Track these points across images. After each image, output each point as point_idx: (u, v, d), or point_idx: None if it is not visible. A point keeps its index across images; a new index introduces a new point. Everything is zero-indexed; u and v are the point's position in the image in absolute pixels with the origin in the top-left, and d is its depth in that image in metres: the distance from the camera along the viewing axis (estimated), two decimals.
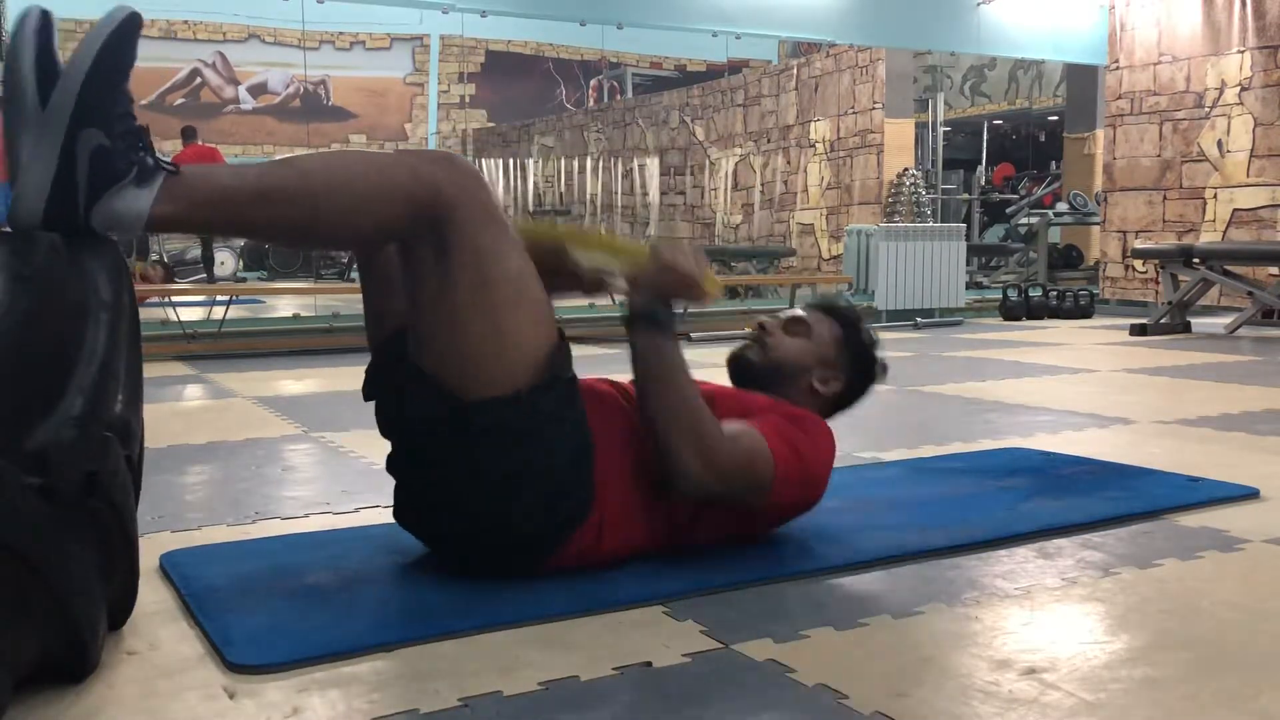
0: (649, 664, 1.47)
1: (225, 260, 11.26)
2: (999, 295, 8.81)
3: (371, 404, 1.88)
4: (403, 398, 1.76)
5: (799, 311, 2.13)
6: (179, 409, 4.11)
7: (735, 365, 2.12)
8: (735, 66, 13.48)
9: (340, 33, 17.65)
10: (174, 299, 6.57)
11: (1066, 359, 5.56)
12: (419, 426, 1.74)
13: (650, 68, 18.41)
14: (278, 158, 1.68)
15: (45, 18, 1.50)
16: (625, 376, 1.95)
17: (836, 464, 1.95)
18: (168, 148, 14.14)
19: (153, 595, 1.76)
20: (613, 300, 2.00)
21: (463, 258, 1.65)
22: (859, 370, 2.10)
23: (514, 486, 1.70)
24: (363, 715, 1.32)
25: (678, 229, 13.48)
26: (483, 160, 17.26)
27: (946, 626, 1.63)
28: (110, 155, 1.49)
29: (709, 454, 1.76)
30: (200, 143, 10.77)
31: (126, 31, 1.50)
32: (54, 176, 1.47)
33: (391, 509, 1.89)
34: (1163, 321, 7.05)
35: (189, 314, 6.61)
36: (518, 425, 1.69)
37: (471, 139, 18.16)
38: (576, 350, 1.86)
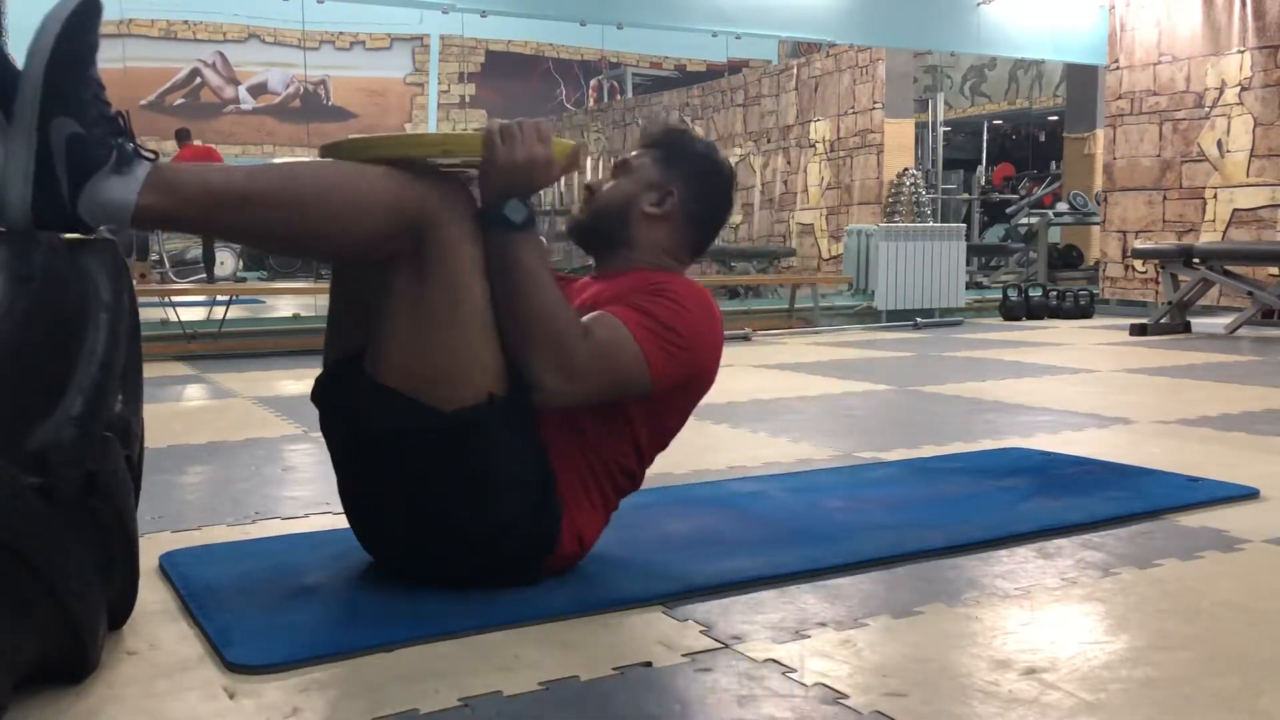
0: (649, 664, 1.47)
1: (225, 260, 11.25)
2: (999, 295, 8.82)
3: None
4: (364, 415, 1.69)
5: (629, 154, 2.00)
6: (179, 409, 4.11)
7: (572, 233, 1.99)
8: (735, 66, 13.48)
9: (340, 33, 17.65)
10: (174, 299, 6.56)
11: (1066, 359, 5.56)
12: (389, 443, 1.67)
13: (650, 68, 18.40)
14: (267, 162, 1.66)
15: None
16: None
17: (836, 463, 1.95)
18: (167, 148, 14.14)
19: (153, 595, 1.76)
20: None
21: (440, 274, 1.63)
22: (696, 175, 1.94)
23: (494, 497, 1.68)
24: (363, 715, 1.32)
25: None
26: None
27: (946, 626, 1.63)
28: (86, 142, 1.47)
29: (566, 361, 1.66)
30: (196, 143, 10.77)
31: (84, 14, 1.47)
32: (35, 172, 1.45)
33: (362, 545, 1.84)
34: (1163, 321, 7.05)
35: (189, 314, 6.61)
36: (493, 433, 1.66)
37: None
38: None
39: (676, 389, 1.82)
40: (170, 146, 11.60)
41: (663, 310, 1.76)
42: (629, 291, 1.81)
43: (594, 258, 2.00)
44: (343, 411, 1.74)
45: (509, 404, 1.68)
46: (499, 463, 1.68)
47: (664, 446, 1.91)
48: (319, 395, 1.81)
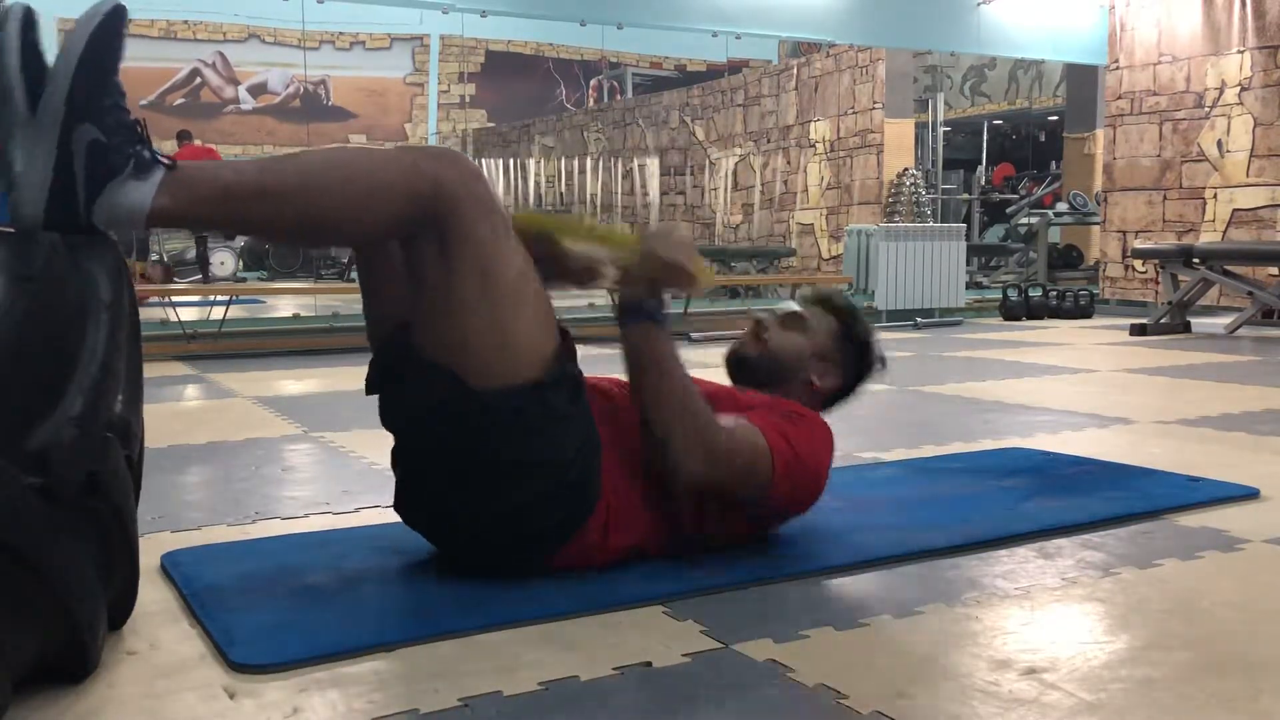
0: (649, 664, 1.47)
1: (225, 260, 11.26)
2: (999, 295, 8.81)
3: (372, 401, 1.87)
4: (409, 389, 1.75)
5: (796, 307, 2.13)
6: (179, 409, 4.11)
7: (734, 361, 2.12)
8: (735, 66, 13.49)
9: (340, 33, 17.65)
10: (174, 299, 6.56)
11: (1066, 359, 5.56)
12: (426, 414, 1.73)
13: (650, 68, 18.40)
14: (278, 154, 1.67)
15: (29, 15, 1.49)
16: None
17: (836, 463, 1.96)
18: (168, 148, 14.12)
19: (153, 595, 1.76)
20: (609, 295, 2.00)
21: (465, 252, 1.65)
22: (856, 364, 2.10)
23: (523, 476, 1.70)
24: (363, 715, 1.32)
25: (678, 229, 13.47)
26: (483, 160, 17.26)
27: (946, 626, 1.63)
28: (106, 150, 1.49)
29: (705, 444, 1.76)
30: (197, 144, 10.78)
31: (112, 24, 1.49)
32: (52, 175, 1.46)
33: (392, 504, 1.89)
34: (1163, 321, 7.05)
35: (189, 314, 6.61)
36: (527, 416, 1.69)
37: (471, 139, 18.15)
38: (580, 350, 1.86)
39: (775, 505, 1.91)
40: (171, 146, 11.59)
41: (799, 436, 1.87)
42: (765, 405, 1.93)
43: (735, 384, 2.10)
44: (396, 383, 1.79)
45: (542, 391, 1.70)
46: (533, 445, 1.70)
47: (724, 533, 1.93)
48: (372, 380, 1.85)
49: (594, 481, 1.76)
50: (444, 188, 1.64)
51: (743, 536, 1.95)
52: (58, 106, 1.46)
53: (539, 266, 1.79)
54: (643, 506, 1.83)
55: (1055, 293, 8.64)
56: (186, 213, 1.56)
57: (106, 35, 1.49)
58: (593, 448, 1.76)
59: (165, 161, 1.53)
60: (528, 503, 1.71)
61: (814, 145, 11.03)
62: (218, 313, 6.35)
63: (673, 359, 1.80)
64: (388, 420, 1.84)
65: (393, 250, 1.80)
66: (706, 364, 2.44)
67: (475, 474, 1.71)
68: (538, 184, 16.42)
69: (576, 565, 1.78)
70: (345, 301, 7.48)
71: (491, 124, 18.48)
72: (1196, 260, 7.04)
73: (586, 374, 1.86)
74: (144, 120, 1.56)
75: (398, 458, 1.85)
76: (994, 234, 14.93)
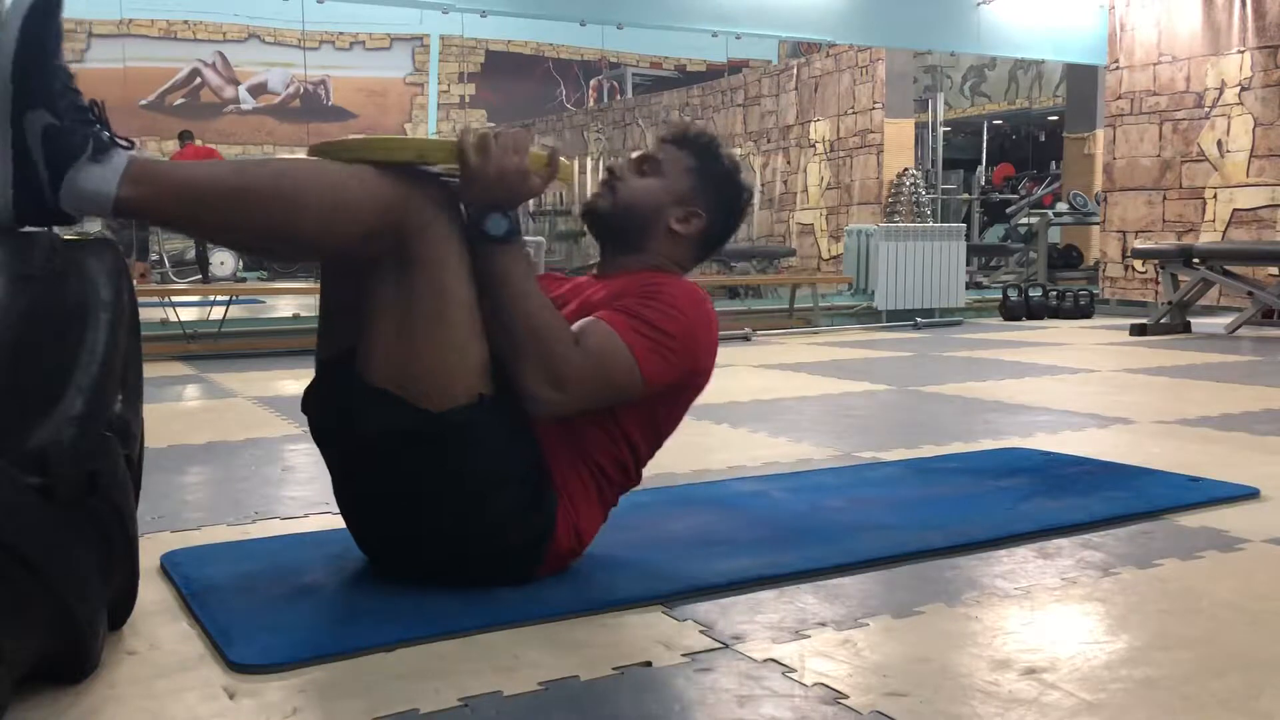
0: (649, 664, 1.47)
1: (225, 260, 11.26)
2: (999, 295, 8.81)
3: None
4: (357, 417, 1.68)
5: (650, 149, 1.97)
6: (179, 409, 4.12)
7: (588, 218, 1.96)
8: (735, 66, 13.49)
9: (340, 33, 17.65)
10: (174, 299, 6.56)
11: (1066, 359, 5.56)
12: (385, 442, 1.66)
13: (650, 68, 18.40)
14: (253, 156, 1.65)
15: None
16: None
17: (836, 463, 1.96)
18: (168, 148, 14.13)
19: (153, 595, 1.76)
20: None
21: (426, 272, 1.62)
22: (722, 201, 1.94)
23: (493, 491, 1.68)
24: (363, 715, 1.32)
25: None
26: None
27: (946, 626, 1.63)
28: (61, 132, 1.46)
29: (557, 372, 1.66)
30: (198, 144, 10.78)
31: (45, 4, 1.46)
32: (12, 166, 1.45)
33: (355, 542, 1.84)
34: (1163, 321, 7.05)
35: (189, 314, 6.61)
36: (489, 428, 1.67)
37: None
38: None
39: (670, 389, 1.82)
40: (171, 146, 11.59)
41: (655, 313, 1.75)
42: (623, 292, 1.80)
43: (601, 246, 1.99)
44: (336, 413, 1.73)
45: (500, 402, 1.68)
46: (492, 461, 1.68)
47: (659, 445, 1.91)
48: (310, 401, 1.80)
49: (550, 489, 1.74)
50: (414, 207, 1.61)
51: (663, 430, 1.87)
52: (4, 96, 1.43)
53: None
54: (591, 487, 1.80)
55: (1055, 293, 8.64)
56: (152, 205, 1.53)
57: (41, 17, 1.46)
58: (540, 454, 1.74)
59: (123, 143, 1.51)
60: (501, 521, 1.69)
61: (814, 145, 11.03)
62: (218, 313, 6.35)
63: (517, 282, 1.66)
64: (327, 448, 1.79)
65: (352, 277, 1.70)
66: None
67: (440, 498, 1.67)
68: None
69: (559, 571, 1.78)
70: None
71: (491, 124, 18.48)
72: (1196, 260, 7.04)
73: None
74: (101, 101, 1.53)
75: (345, 492, 1.79)
76: (994, 234, 14.93)
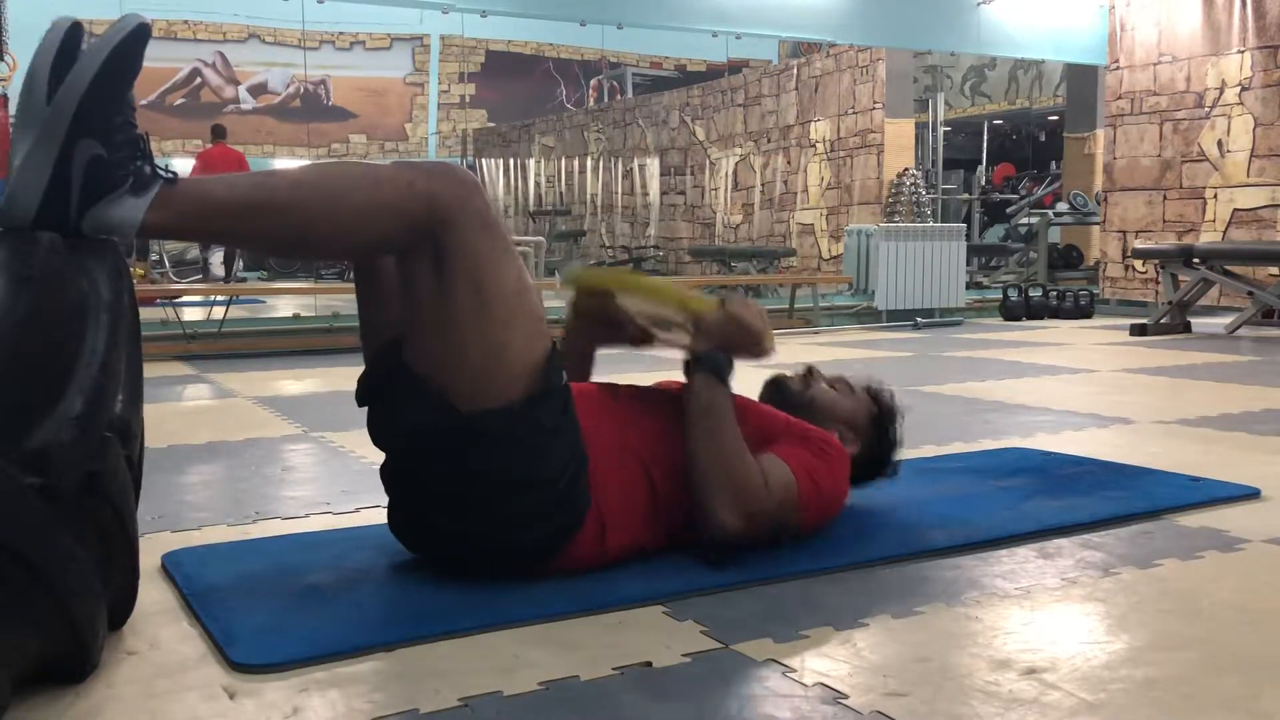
0: (649, 664, 1.47)
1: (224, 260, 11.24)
2: (999, 295, 8.81)
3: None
4: (397, 406, 1.75)
5: (849, 377, 2.23)
6: (179, 409, 4.11)
7: (775, 385, 2.18)
8: (735, 66, 13.49)
9: (340, 33, 17.65)
10: (174, 299, 6.56)
11: (1067, 359, 5.56)
12: (415, 436, 1.73)
13: (650, 68, 18.40)
14: (274, 168, 1.68)
15: (76, 27, 1.50)
16: (610, 377, 1.99)
17: None
18: (167, 148, 14.13)
19: (153, 595, 1.76)
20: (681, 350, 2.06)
21: (460, 271, 1.65)
22: (876, 450, 2.16)
23: (514, 494, 1.70)
24: (363, 715, 1.32)
25: (678, 229, 13.48)
26: (482, 160, 17.27)
27: (946, 626, 1.63)
28: (106, 166, 1.49)
29: (745, 507, 1.80)
30: (226, 144, 10.72)
31: (135, 41, 1.50)
32: (48, 183, 1.47)
33: (387, 523, 1.89)
34: (1163, 321, 7.05)
35: (189, 314, 6.61)
36: (515, 434, 1.69)
37: (471, 139, 18.16)
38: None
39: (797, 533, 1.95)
40: (171, 146, 11.58)
41: (823, 473, 1.92)
42: (790, 429, 1.98)
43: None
44: (386, 403, 1.79)
45: (531, 409, 1.70)
46: (522, 462, 1.70)
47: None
48: (362, 391, 1.85)
49: (581, 493, 1.75)
50: (440, 206, 1.63)
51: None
52: (66, 117, 1.46)
53: (594, 327, 1.94)
54: (639, 507, 1.83)
55: (1055, 293, 8.64)
56: (176, 225, 1.57)
57: (127, 52, 1.50)
58: (579, 459, 1.76)
59: (165, 175, 1.54)
60: (518, 520, 1.71)
61: (814, 145, 11.03)
62: (218, 313, 6.35)
63: (729, 421, 1.83)
64: (377, 436, 1.85)
65: (388, 262, 1.79)
66: None
67: (466, 492, 1.71)
68: (538, 184, 16.43)
69: (570, 573, 1.78)
70: (345, 301, 7.48)
71: (491, 124, 18.49)
72: (1196, 260, 7.04)
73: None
74: (147, 134, 1.56)
75: (388, 476, 1.85)
76: (994, 234, 14.93)
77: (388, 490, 1.86)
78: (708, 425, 1.82)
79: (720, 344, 1.89)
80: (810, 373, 2.20)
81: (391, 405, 1.77)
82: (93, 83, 1.46)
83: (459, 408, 1.67)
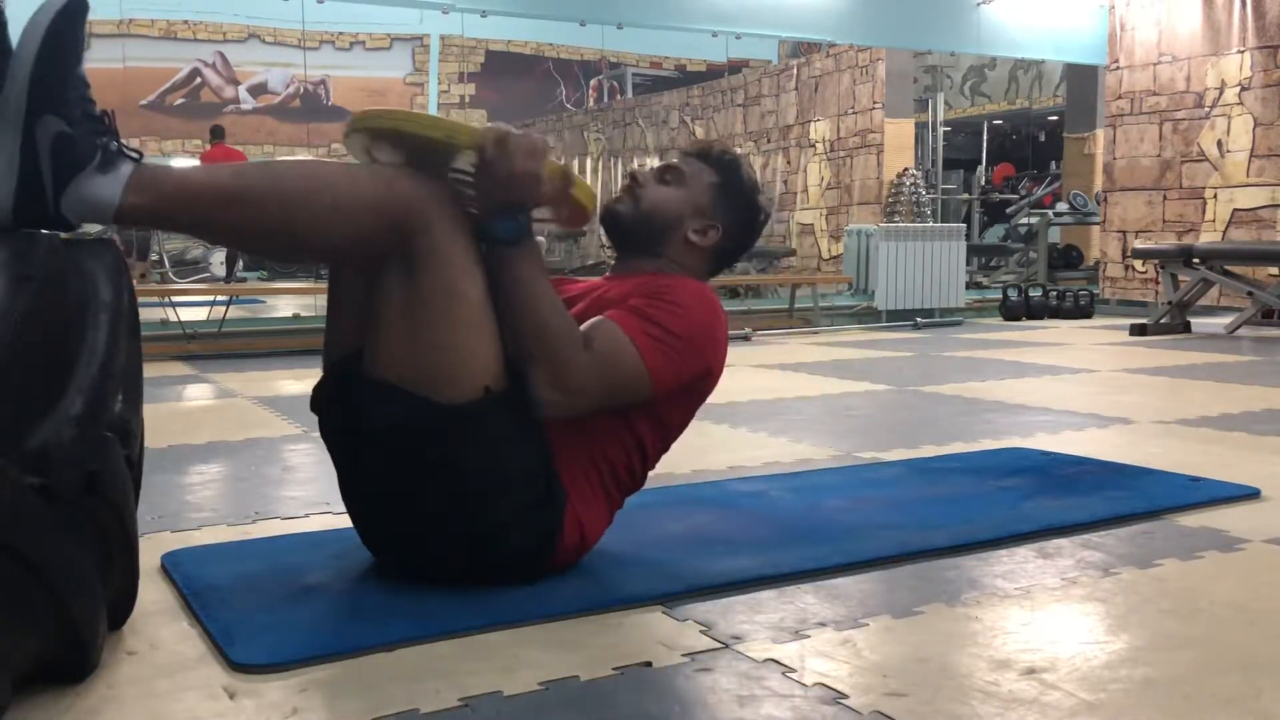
0: (649, 664, 1.47)
1: (223, 260, 11.25)
2: (999, 295, 8.81)
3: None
4: (362, 413, 1.69)
5: (673, 159, 2.01)
6: (179, 409, 4.11)
7: (606, 219, 1.98)
8: (735, 66, 13.49)
9: (340, 33, 17.65)
10: (174, 299, 6.56)
11: (1066, 359, 5.56)
12: (388, 437, 1.67)
13: (650, 68, 18.41)
14: (256, 161, 1.67)
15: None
16: None
17: (836, 463, 1.96)
18: (168, 148, 14.12)
19: (153, 595, 1.76)
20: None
21: (432, 274, 1.63)
22: (739, 217, 1.98)
23: (501, 492, 1.68)
24: (363, 715, 1.32)
25: None
26: None
27: (946, 626, 1.63)
28: (72, 141, 1.47)
29: (564, 375, 1.68)
30: (226, 144, 10.72)
31: (71, 12, 1.47)
32: (18, 168, 1.46)
33: (361, 540, 1.84)
34: (1163, 321, 7.05)
35: (189, 314, 6.61)
36: (493, 427, 1.67)
37: None
38: None
39: (679, 390, 1.83)
40: (171, 146, 11.55)
41: (664, 314, 1.77)
42: (633, 293, 1.81)
43: (617, 250, 2.02)
44: (344, 410, 1.74)
45: (507, 399, 1.68)
46: (498, 457, 1.68)
47: (668, 446, 1.92)
48: (318, 399, 1.81)
49: (558, 487, 1.74)
50: (417, 206, 1.62)
51: (672, 431, 1.90)
52: (20, 98, 1.44)
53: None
54: (598, 486, 1.81)
55: (1055, 293, 8.64)
56: (154, 211, 1.55)
57: (66, 25, 1.47)
58: (549, 452, 1.74)
59: (131, 154, 1.53)
60: (506, 523, 1.70)
61: (814, 145, 11.03)
62: (218, 313, 6.35)
63: (526, 285, 1.68)
64: (336, 446, 1.79)
65: (359, 276, 1.74)
66: None
67: (449, 494, 1.67)
68: None
69: (563, 568, 1.78)
70: None
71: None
72: (1196, 260, 7.04)
73: None
74: (111, 112, 1.54)
75: (352, 490, 1.80)
76: (994, 234, 14.92)
77: (360, 516, 1.81)
78: (508, 300, 1.68)
79: (497, 195, 1.66)
80: (633, 180, 1.97)
81: (359, 413, 1.70)
82: (38, 60, 1.44)
83: (435, 400, 1.63)
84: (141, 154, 1.54)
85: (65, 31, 1.47)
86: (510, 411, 1.69)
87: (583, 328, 1.73)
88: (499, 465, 1.68)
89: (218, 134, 10.79)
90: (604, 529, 1.85)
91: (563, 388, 1.69)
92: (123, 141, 1.54)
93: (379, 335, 1.68)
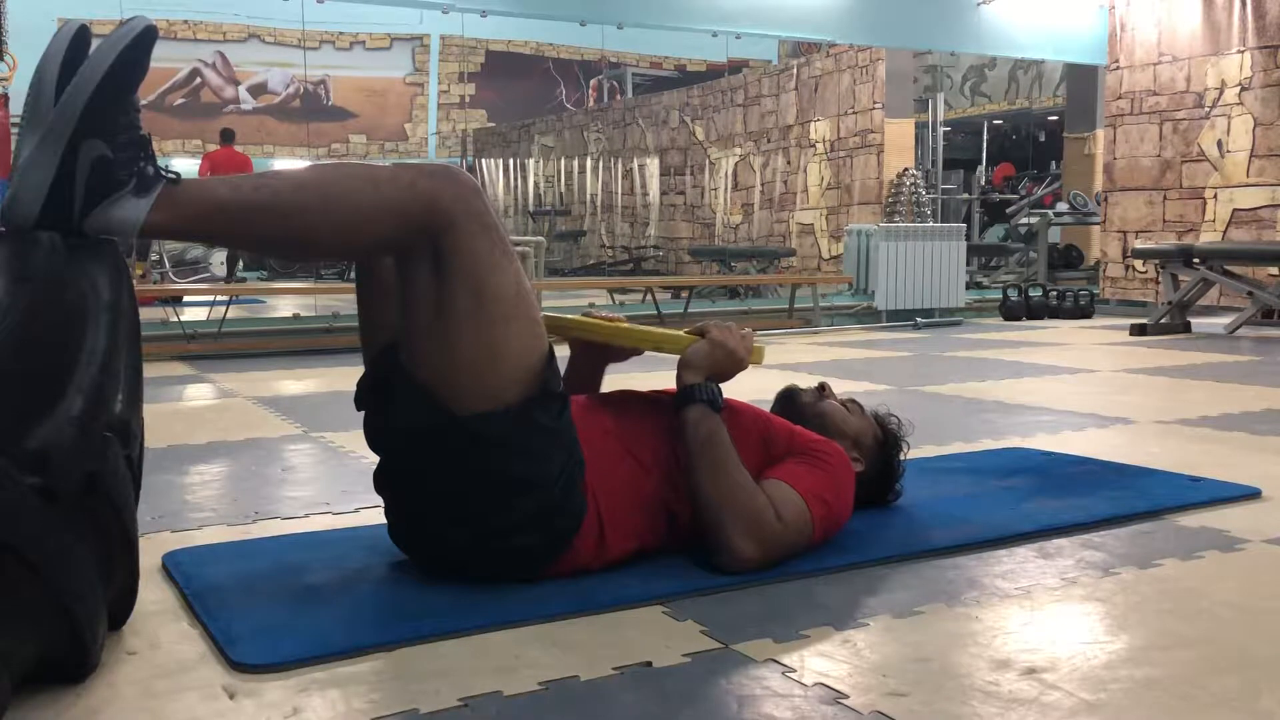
0: (649, 664, 1.47)
1: (223, 260, 11.26)
2: (999, 295, 8.81)
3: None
4: (395, 409, 1.74)
5: (857, 400, 2.25)
6: (179, 409, 4.11)
7: (787, 396, 2.21)
8: (735, 66, 13.50)
9: (340, 33, 17.66)
10: (173, 299, 6.56)
11: (1066, 359, 5.56)
12: (409, 439, 1.72)
13: (650, 68, 18.41)
14: (276, 169, 1.69)
15: (84, 30, 1.51)
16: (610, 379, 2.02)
17: None
18: (167, 148, 14.14)
19: (153, 595, 1.76)
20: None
21: (460, 273, 1.65)
22: (877, 475, 2.18)
23: (512, 498, 1.69)
24: (363, 715, 1.32)
25: (678, 229, 13.48)
26: (482, 160, 17.27)
27: (946, 626, 1.63)
28: (110, 166, 1.49)
29: (762, 536, 1.80)
30: (235, 147, 10.71)
31: (142, 43, 1.50)
32: (51, 183, 1.47)
33: (386, 527, 1.89)
34: (1163, 321, 7.05)
35: (189, 314, 6.61)
36: (512, 437, 1.68)
37: (471, 139, 18.15)
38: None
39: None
40: (171, 146, 11.56)
41: (830, 489, 1.92)
42: (791, 441, 1.98)
43: (775, 410, 2.19)
44: (375, 401, 1.80)
45: (528, 412, 1.69)
46: (511, 468, 1.69)
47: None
48: (361, 394, 1.85)
49: (578, 497, 1.75)
50: (440, 208, 1.64)
51: None
52: (71, 117, 1.46)
53: (595, 351, 2.02)
54: (638, 511, 1.83)
55: (1055, 293, 8.64)
56: (177, 226, 1.57)
57: (135, 55, 1.50)
58: (576, 463, 1.75)
59: (168, 175, 1.54)
60: (515, 524, 1.71)
61: (814, 145, 11.03)
62: (218, 313, 6.35)
63: (729, 448, 1.83)
64: (373, 440, 1.84)
65: (389, 263, 1.79)
66: None
67: (464, 495, 1.70)
68: (537, 184, 16.42)
69: (570, 576, 1.78)
70: (345, 301, 7.47)
71: (491, 124, 18.48)
72: (1196, 260, 7.04)
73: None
74: (150, 135, 1.57)
75: (386, 481, 1.84)
76: (994, 234, 14.93)
77: (384, 495, 1.85)
78: (710, 458, 1.81)
79: (708, 373, 1.89)
80: (823, 388, 2.23)
81: (389, 408, 1.76)
82: (100, 84, 1.47)
83: (455, 410, 1.67)
84: (178, 176, 1.55)
85: (134, 60, 1.50)
86: (528, 425, 1.70)
87: (766, 486, 1.84)
88: (516, 472, 1.70)
89: (228, 136, 10.79)
90: (634, 543, 1.85)
91: (761, 546, 1.80)
92: (159, 164, 1.55)
93: (412, 334, 1.71)
